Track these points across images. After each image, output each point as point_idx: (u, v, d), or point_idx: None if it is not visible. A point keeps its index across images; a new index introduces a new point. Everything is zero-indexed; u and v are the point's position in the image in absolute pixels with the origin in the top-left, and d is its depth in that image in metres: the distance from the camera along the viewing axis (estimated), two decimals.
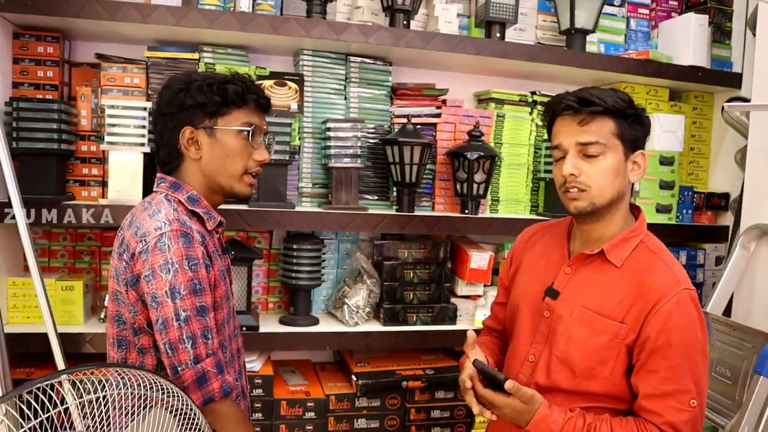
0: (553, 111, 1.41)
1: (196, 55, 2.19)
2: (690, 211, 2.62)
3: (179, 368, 1.27)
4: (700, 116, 2.74)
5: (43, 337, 1.76)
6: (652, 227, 2.44)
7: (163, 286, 1.26)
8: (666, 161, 2.54)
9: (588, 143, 1.34)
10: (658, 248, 1.42)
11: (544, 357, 1.44)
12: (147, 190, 2.09)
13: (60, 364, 1.75)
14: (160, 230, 1.29)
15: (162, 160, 1.47)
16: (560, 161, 1.40)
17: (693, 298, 1.34)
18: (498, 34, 2.35)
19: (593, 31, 2.47)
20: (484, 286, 2.42)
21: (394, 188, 2.32)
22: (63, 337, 1.98)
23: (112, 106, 2.01)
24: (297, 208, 2.21)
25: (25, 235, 1.71)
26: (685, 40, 2.59)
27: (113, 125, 2.01)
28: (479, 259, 2.29)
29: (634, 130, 1.37)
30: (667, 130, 2.57)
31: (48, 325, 1.73)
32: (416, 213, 2.25)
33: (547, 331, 1.44)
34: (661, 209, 2.54)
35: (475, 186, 2.26)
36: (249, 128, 1.41)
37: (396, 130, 2.28)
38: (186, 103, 1.38)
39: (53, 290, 2.08)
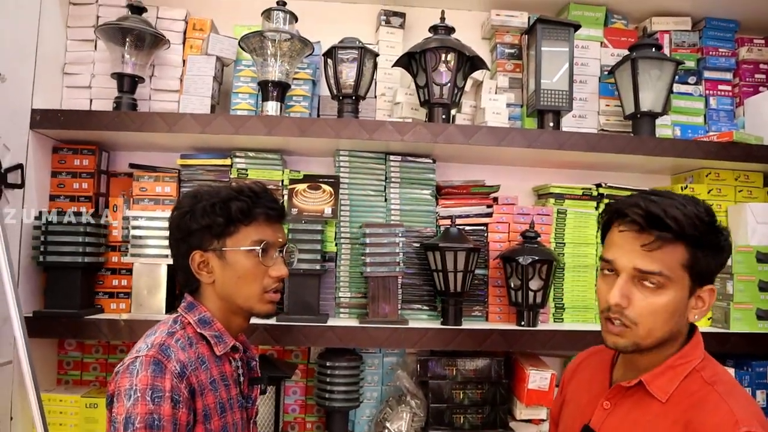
0: (615, 216, 1.16)
1: (228, 161, 2.11)
2: None
3: None
4: None
5: None
6: (753, 337, 2.12)
7: (122, 412, 1.16)
8: (765, 258, 2.16)
9: (649, 273, 1.08)
10: (716, 377, 1.11)
11: None
12: (172, 304, 1.99)
13: None
14: (138, 353, 1.22)
15: (181, 282, 1.41)
16: (608, 277, 1.15)
17: None
18: (552, 123, 2.13)
19: (663, 114, 2.21)
20: (549, 408, 2.08)
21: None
22: None
23: (136, 217, 1.94)
24: (332, 320, 2.01)
25: (23, 348, 1.60)
26: None
27: (137, 237, 1.94)
28: (539, 378, 1.98)
29: (709, 261, 1.11)
30: (763, 222, 2.20)
31: None
32: (464, 326, 2.00)
33: None
34: (764, 315, 2.14)
35: (531, 294, 1.98)
36: (259, 246, 1.33)
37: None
38: (192, 227, 1.33)
39: (77, 407, 2.02)
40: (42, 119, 1.96)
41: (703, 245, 1.09)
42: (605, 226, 1.19)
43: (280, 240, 1.38)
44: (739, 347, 2.09)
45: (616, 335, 1.12)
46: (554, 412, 1.42)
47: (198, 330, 1.31)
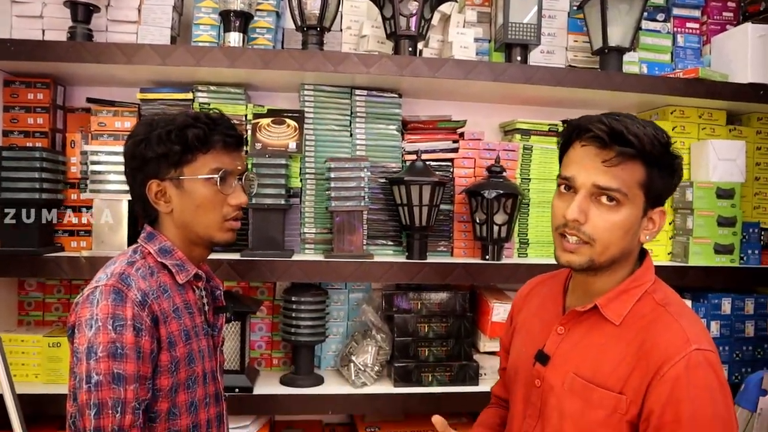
0: (575, 133, 1.15)
1: (190, 95, 2.06)
2: (757, 251, 2.25)
3: None
4: (766, 141, 2.37)
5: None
6: (710, 271, 2.17)
7: (84, 342, 1.15)
8: (725, 194, 2.20)
9: (607, 189, 1.09)
10: (667, 299, 1.15)
11: None
12: (135, 240, 1.96)
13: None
14: (97, 283, 1.21)
15: (139, 213, 1.38)
16: (565, 196, 1.15)
17: (709, 360, 1.05)
18: (519, 58, 2.11)
19: (630, 50, 2.20)
20: None
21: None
22: (49, 399, 1.86)
23: (95, 152, 1.89)
24: (298, 256, 2.01)
25: None
26: (742, 54, 2.26)
27: (96, 172, 1.89)
28: (503, 310, 2.01)
29: (663, 182, 1.12)
30: (725, 158, 2.24)
31: (4, 387, 1.56)
32: (429, 260, 2.01)
33: (539, 403, 1.20)
34: (721, 250, 2.19)
35: (495, 228, 2.00)
36: (217, 175, 1.29)
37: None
38: (147, 155, 1.28)
39: (40, 347, 1.99)
40: None
41: (660, 165, 1.11)
42: (565, 144, 1.19)
43: (239, 168, 1.35)
44: (697, 281, 2.15)
45: (571, 252, 1.13)
46: (505, 341, 1.43)
47: (159, 259, 1.29)
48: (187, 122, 1.29)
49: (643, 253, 1.22)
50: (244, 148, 1.44)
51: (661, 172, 1.11)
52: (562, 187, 1.16)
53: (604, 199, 1.10)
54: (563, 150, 1.20)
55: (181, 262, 1.31)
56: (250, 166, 1.94)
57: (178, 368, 1.25)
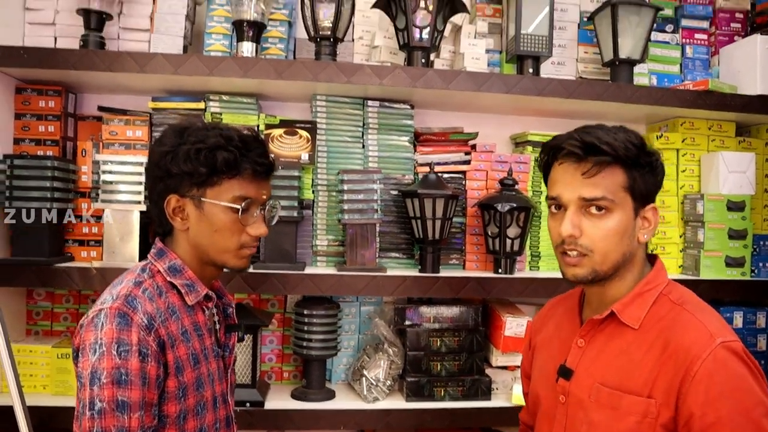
0: (552, 154, 1.20)
1: (201, 105, 2.05)
2: None
3: None
4: None
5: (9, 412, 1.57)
6: (721, 284, 2.16)
7: (87, 367, 1.11)
8: (735, 206, 2.20)
9: (593, 199, 1.13)
10: (683, 298, 1.17)
11: None
12: (145, 251, 1.94)
13: None
14: (102, 305, 1.16)
15: (154, 221, 1.33)
16: (557, 215, 1.19)
17: (736, 351, 1.06)
18: (531, 70, 2.11)
19: (641, 61, 2.20)
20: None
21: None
22: (57, 411, 1.84)
23: (106, 162, 1.87)
24: (309, 269, 2.00)
25: None
26: (751, 65, 2.26)
27: (108, 182, 1.87)
28: (515, 324, 2.01)
29: (646, 181, 1.16)
30: (735, 171, 2.24)
31: (14, 397, 1.54)
32: (442, 273, 2.00)
33: (564, 419, 1.19)
34: (732, 263, 2.19)
35: (508, 242, 1.99)
36: (240, 206, 1.23)
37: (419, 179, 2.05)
38: (171, 169, 1.22)
39: (48, 358, 1.97)
40: (3, 56, 1.84)
41: (638, 165, 1.14)
42: (545, 167, 1.23)
43: (264, 197, 1.29)
44: (709, 294, 2.14)
45: (574, 266, 1.15)
46: (525, 365, 1.43)
47: (168, 279, 1.24)
48: (219, 143, 1.22)
49: (653, 259, 1.24)
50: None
51: (641, 171, 1.15)
52: (552, 207, 1.20)
53: (593, 209, 1.13)
54: (546, 173, 1.24)
55: (191, 282, 1.26)
56: None
57: (186, 394, 1.20)
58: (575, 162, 1.14)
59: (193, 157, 1.20)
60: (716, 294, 2.15)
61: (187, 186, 1.23)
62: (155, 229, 1.33)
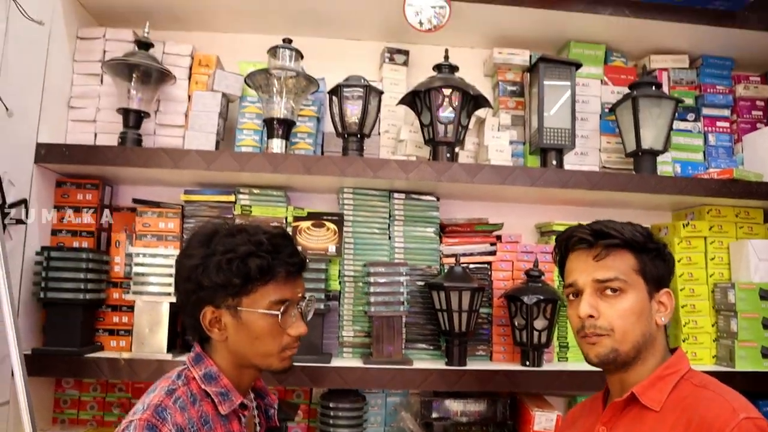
0: (565, 246, 1.31)
1: (232, 198, 2.10)
2: None
3: None
4: None
5: None
6: (759, 376, 2.10)
7: None
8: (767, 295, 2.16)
9: (606, 280, 1.21)
10: (704, 381, 1.18)
11: None
12: (174, 342, 1.97)
13: None
14: (133, 416, 1.13)
15: (188, 330, 1.33)
16: (575, 302, 1.25)
17: (761, 427, 1.05)
18: (555, 162, 2.14)
19: (664, 151, 2.22)
20: None
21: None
22: None
23: (139, 254, 1.92)
24: (336, 360, 1.99)
25: (22, 389, 1.55)
26: None
27: (139, 274, 1.92)
28: (544, 419, 1.96)
29: (656, 266, 1.24)
30: (765, 259, 2.21)
31: None
32: (469, 366, 1.98)
33: None
34: None
35: (535, 334, 1.97)
36: (279, 311, 1.22)
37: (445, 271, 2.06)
38: (203, 283, 1.21)
39: None
40: (47, 154, 1.94)
41: (646, 250, 1.23)
42: (562, 260, 1.32)
43: (300, 295, 1.28)
44: (744, 386, 2.07)
45: (594, 344, 1.20)
46: None
47: (202, 386, 1.21)
48: (250, 251, 1.20)
49: (674, 350, 1.27)
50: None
51: (650, 255, 1.23)
52: (570, 295, 1.28)
53: (608, 291, 1.21)
54: (561, 266, 1.32)
55: (226, 390, 1.23)
56: None
57: None
58: (587, 248, 1.24)
59: (225, 268, 1.19)
60: (753, 386, 2.08)
61: (222, 297, 1.21)
62: (191, 335, 1.33)
